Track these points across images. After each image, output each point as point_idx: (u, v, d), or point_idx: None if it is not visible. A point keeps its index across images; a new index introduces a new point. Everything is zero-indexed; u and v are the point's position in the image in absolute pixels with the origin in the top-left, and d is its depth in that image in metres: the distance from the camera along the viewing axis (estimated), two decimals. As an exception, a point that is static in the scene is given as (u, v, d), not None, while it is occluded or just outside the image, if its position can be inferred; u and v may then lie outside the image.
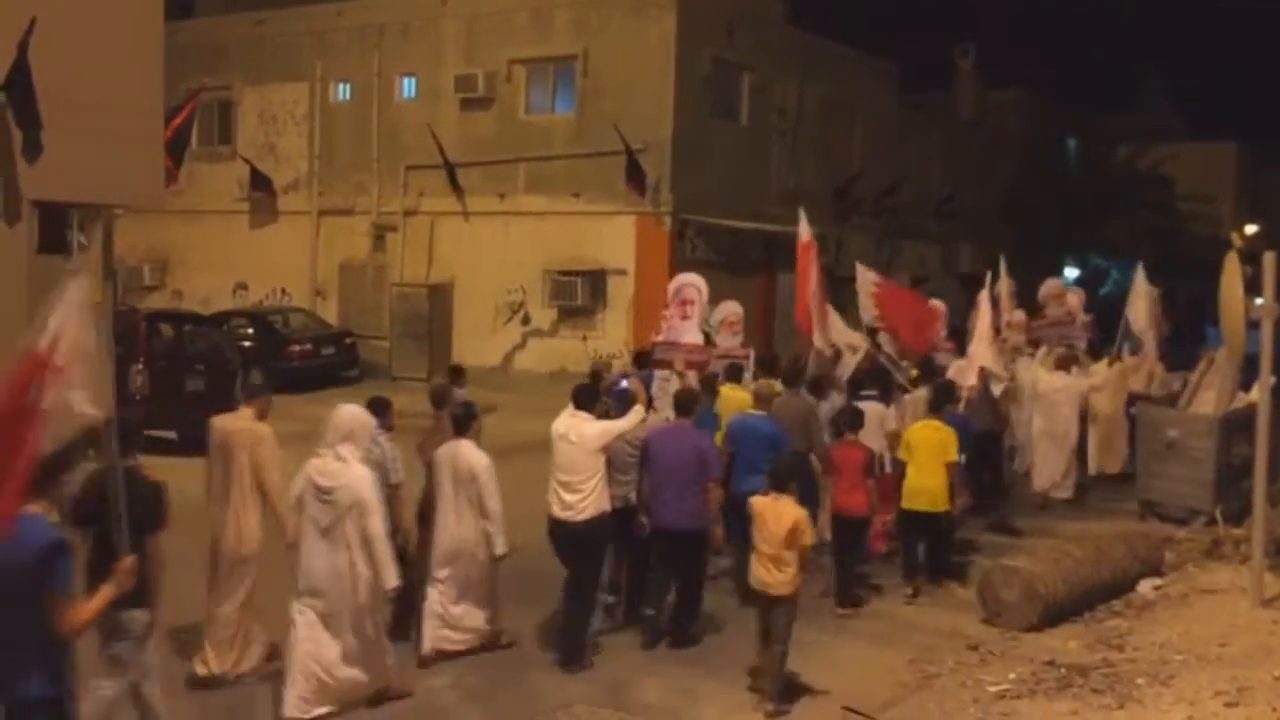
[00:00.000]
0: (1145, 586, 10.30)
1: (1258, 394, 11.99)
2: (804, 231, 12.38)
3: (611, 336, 22.57)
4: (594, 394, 8.98)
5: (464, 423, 8.30)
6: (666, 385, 11.13)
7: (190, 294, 27.08)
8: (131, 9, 13.96)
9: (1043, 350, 15.23)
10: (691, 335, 12.13)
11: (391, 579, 7.08)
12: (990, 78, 36.39)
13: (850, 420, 9.95)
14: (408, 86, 25.61)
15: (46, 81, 11.61)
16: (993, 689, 7.88)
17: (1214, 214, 42.00)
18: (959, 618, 9.67)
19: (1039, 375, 14.34)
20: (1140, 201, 36.01)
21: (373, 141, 25.57)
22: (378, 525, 7.07)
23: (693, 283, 12.53)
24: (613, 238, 22.83)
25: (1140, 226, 34.97)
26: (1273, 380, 9.67)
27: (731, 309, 13.22)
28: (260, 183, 26.65)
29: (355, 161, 25.93)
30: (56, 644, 4.75)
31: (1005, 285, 15.58)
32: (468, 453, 8.11)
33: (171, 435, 16.43)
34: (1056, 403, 13.99)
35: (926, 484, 10.07)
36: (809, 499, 9.02)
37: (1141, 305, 15.96)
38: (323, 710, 7.17)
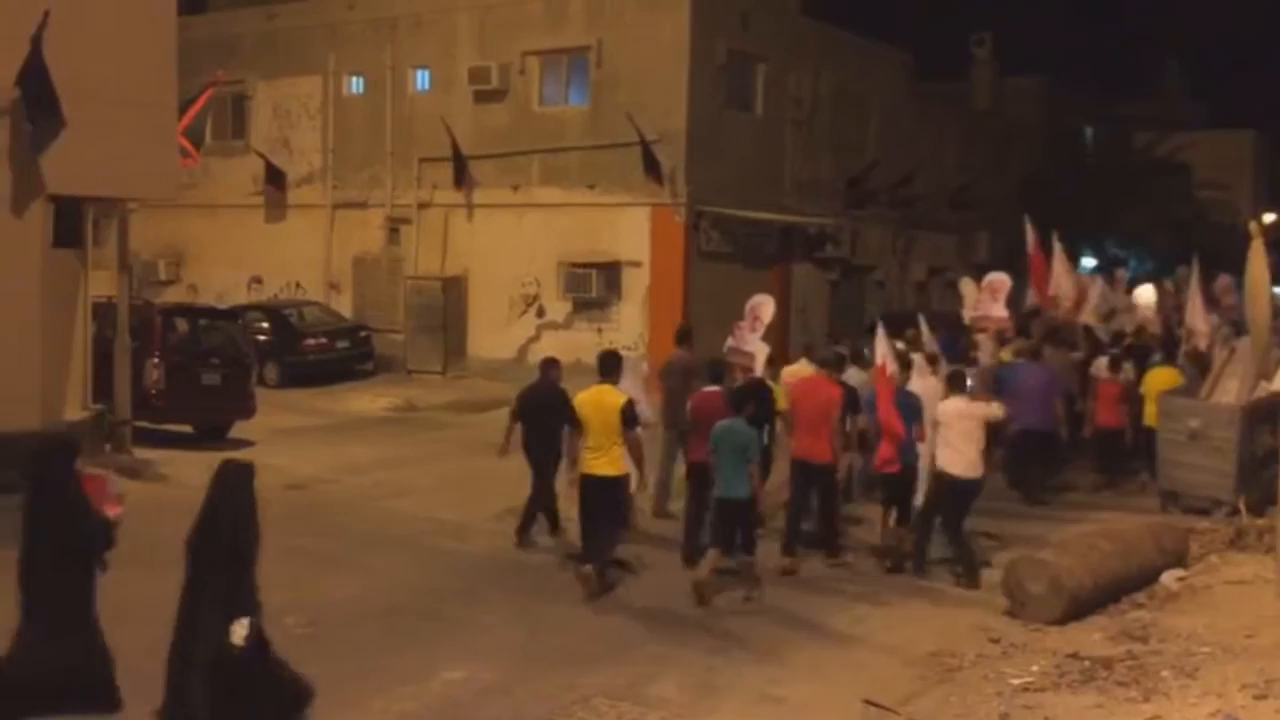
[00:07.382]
0: (1169, 578, 10.20)
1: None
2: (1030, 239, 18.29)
3: (626, 329, 22.45)
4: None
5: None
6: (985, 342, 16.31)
7: (205, 288, 27.09)
8: (145, 3, 13.96)
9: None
10: (999, 311, 16.88)
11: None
12: (1006, 66, 36.15)
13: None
14: (421, 79, 25.49)
15: (60, 76, 11.58)
16: (1015, 682, 7.80)
17: (1231, 202, 41.67)
18: (980, 610, 9.61)
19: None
20: (1157, 190, 35.74)
21: (386, 134, 25.49)
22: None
23: (1000, 277, 17.17)
24: (627, 229, 22.71)
25: (1158, 215, 34.73)
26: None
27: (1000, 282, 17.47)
28: (274, 177, 26.63)
29: (369, 155, 25.87)
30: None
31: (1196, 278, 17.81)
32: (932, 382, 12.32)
33: (188, 429, 16.47)
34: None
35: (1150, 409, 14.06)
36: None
37: None
38: None
